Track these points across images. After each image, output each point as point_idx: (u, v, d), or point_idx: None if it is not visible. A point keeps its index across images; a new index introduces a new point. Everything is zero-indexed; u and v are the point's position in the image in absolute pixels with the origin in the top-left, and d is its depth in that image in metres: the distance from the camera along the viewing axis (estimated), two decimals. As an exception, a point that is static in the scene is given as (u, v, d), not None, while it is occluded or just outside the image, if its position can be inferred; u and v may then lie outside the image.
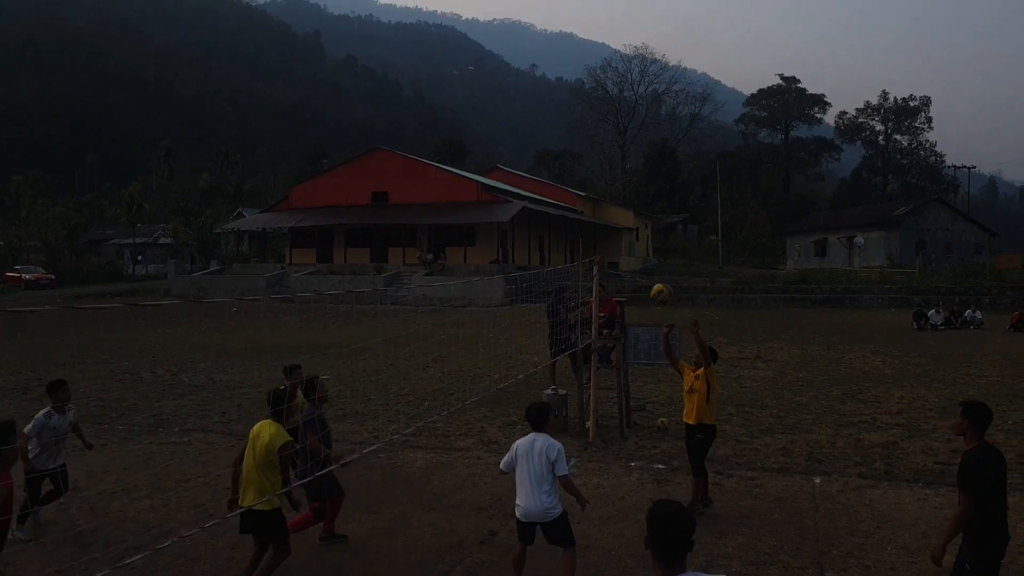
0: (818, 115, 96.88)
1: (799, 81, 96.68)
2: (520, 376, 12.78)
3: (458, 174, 48.15)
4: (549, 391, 10.97)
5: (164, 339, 22.80)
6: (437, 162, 55.65)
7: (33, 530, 6.99)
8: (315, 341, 20.22)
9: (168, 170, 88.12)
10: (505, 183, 52.93)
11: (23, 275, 50.72)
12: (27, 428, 6.85)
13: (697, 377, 7.69)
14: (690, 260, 66.61)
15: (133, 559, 5.50)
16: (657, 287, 9.88)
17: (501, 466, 5.79)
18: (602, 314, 10.91)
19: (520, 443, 5.68)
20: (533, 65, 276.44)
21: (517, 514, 5.62)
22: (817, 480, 8.53)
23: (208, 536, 6.79)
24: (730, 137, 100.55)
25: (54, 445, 7.02)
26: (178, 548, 6.17)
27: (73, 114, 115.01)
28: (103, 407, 12.87)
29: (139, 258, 65.39)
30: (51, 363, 18.14)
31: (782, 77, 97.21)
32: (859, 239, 57.29)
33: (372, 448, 9.33)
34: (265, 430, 5.64)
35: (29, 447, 6.84)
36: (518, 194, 47.72)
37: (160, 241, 66.18)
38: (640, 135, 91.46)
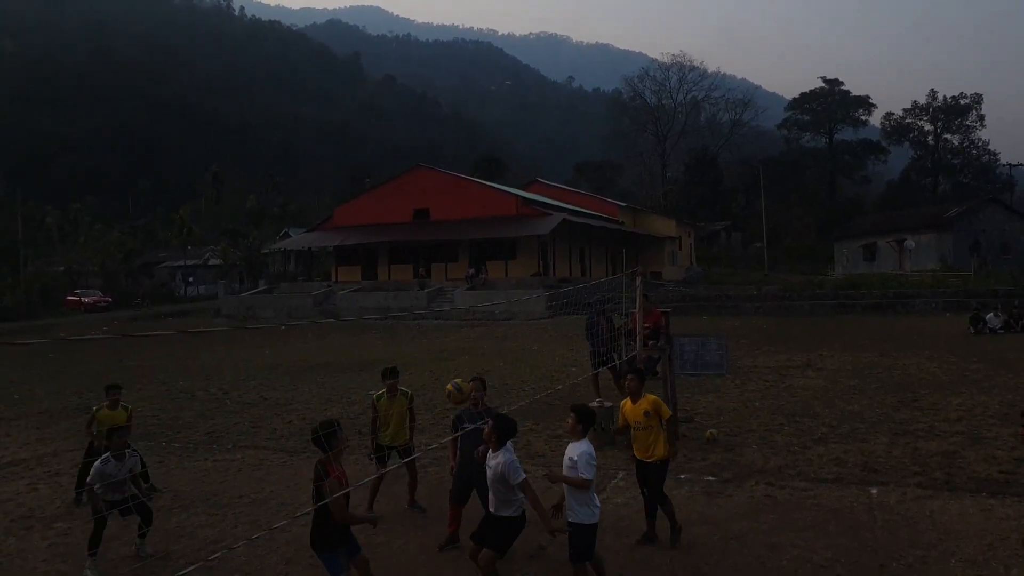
0: (863, 117, 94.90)
1: (842, 83, 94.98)
2: (559, 387, 12.75)
3: (498, 189, 48.42)
4: (594, 403, 10.90)
5: (217, 358, 23.36)
6: (476, 178, 56.06)
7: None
8: (362, 358, 20.51)
9: (216, 193, 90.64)
10: (544, 196, 53.02)
11: (82, 299, 52.58)
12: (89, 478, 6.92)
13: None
14: (735, 268, 65.66)
15: (186, 571, 5.64)
16: (447, 387, 7.68)
17: (592, 476, 5.72)
18: (647, 325, 10.82)
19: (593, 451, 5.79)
20: (570, 77, 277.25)
21: (595, 519, 5.74)
22: (874, 491, 8.30)
23: (263, 551, 6.92)
24: (772, 142, 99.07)
25: (115, 489, 6.95)
26: (234, 563, 6.30)
27: (126, 142, 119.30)
28: (160, 425, 13.23)
29: (190, 279, 67.23)
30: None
31: (824, 80, 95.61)
32: (910, 242, 55.76)
33: (415, 456, 9.41)
34: None
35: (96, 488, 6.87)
36: (558, 206, 47.74)
37: (210, 262, 67.99)
38: (680, 143, 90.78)
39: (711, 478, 9.00)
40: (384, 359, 20.50)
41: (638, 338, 10.34)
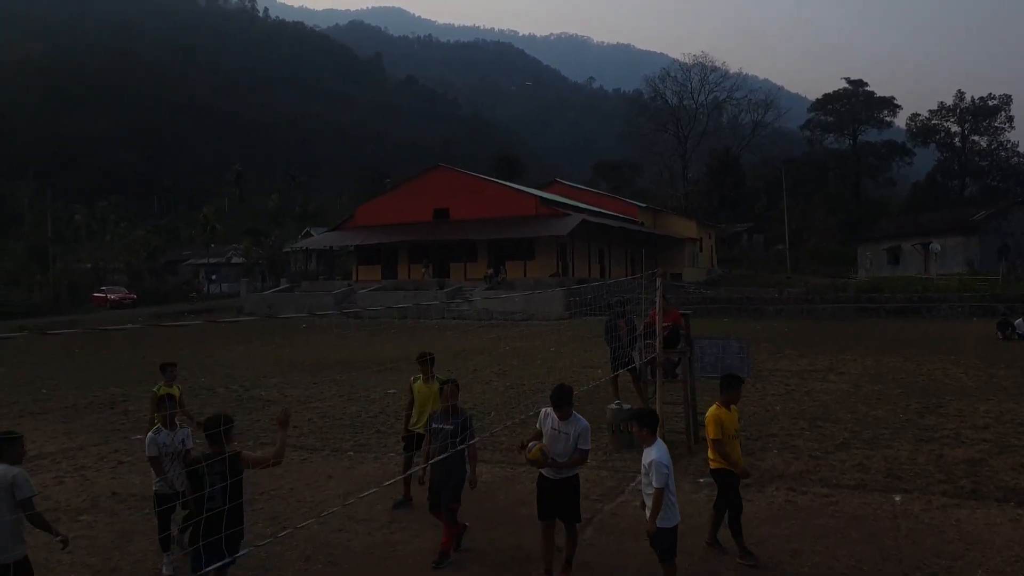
0: (888, 118, 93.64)
1: (866, 84, 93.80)
2: (583, 389, 12.69)
3: (517, 189, 48.43)
4: (613, 405, 10.87)
5: (238, 355, 23.57)
6: (495, 178, 56.12)
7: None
8: (381, 356, 20.59)
9: (239, 193, 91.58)
10: (564, 196, 52.95)
11: (108, 295, 53.35)
12: (148, 451, 6.79)
13: None
14: (756, 270, 65.12)
15: (207, 569, 5.68)
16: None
17: (663, 484, 5.67)
18: (666, 324, 10.75)
19: (666, 454, 5.81)
20: (591, 78, 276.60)
21: (675, 522, 5.79)
22: (897, 498, 8.18)
23: (282, 548, 6.96)
24: (795, 144, 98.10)
25: (171, 464, 6.73)
26: (254, 559, 6.34)
27: (150, 142, 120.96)
28: (181, 422, 13.35)
29: (213, 277, 67.95)
30: (133, 379, 18.99)
31: (848, 81, 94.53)
32: (935, 245, 54.95)
33: (439, 459, 9.42)
34: None
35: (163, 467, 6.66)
36: (577, 207, 47.65)
37: (233, 261, 68.68)
38: (701, 144, 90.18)
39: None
40: (402, 358, 20.60)
41: (658, 339, 10.26)
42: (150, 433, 6.84)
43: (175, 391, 8.63)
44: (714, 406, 6.86)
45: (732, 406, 6.87)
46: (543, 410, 6.12)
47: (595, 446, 10.74)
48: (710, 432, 6.79)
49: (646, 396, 10.77)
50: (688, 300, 34.64)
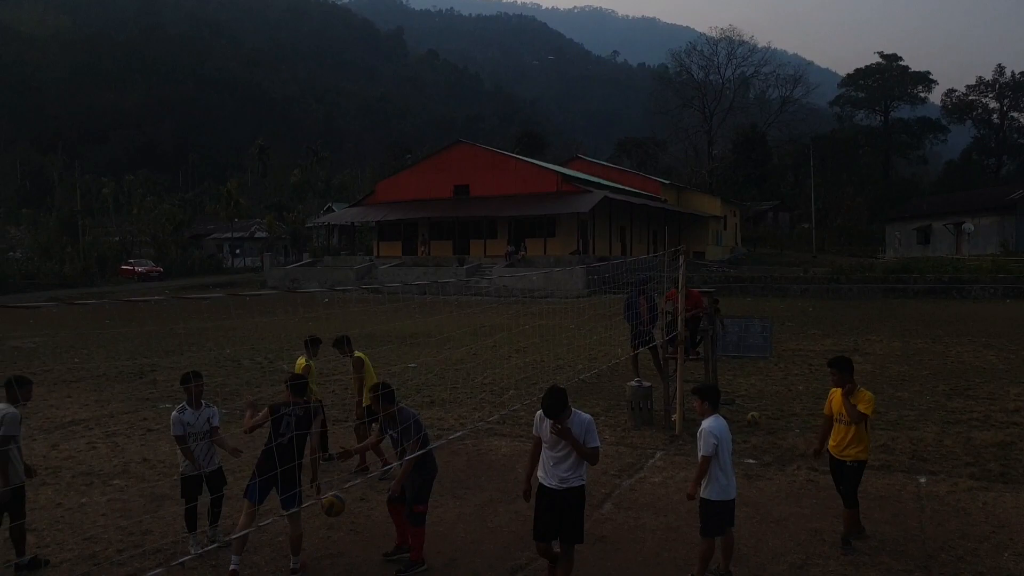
0: (922, 94, 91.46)
1: (900, 59, 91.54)
2: (603, 367, 12.70)
3: (538, 165, 48.15)
4: (633, 383, 10.84)
5: (261, 327, 23.83)
6: (516, 154, 55.80)
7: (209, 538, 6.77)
8: (402, 331, 20.70)
9: (262, 167, 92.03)
10: (585, 173, 52.57)
11: (136, 268, 54.14)
12: (173, 430, 6.61)
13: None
14: (782, 249, 64.33)
15: (238, 534, 5.80)
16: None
17: (709, 453, 5.65)
18: (688, 308, 10.66)
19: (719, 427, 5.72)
20: (614, 52, 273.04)
21: (723, 496, 5.66)
22: (922, 480, 8.10)
23: (306, 515, 7.06)
24: (824, 120, 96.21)
25: (197, 443, 6.62)
26: (278, 526, 6.45)
27: (175, 117, 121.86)
28: (207, 393, 13.50)
29: (237, 251, 68.59)
30: (161, 350, 19.31)
31: (881, 55, 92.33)
32: (968, 225, 53.84)
33: (458, 435, 9.51)
34: None
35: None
36: (599, 183, 47.28)
37: (256, 235, 69.24)
38: (727, 120, 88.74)
39: (752, 461, 8.89)
40: (422, 333, 20.70)
41: (680, 318, 10.19)
42: (175, 412, 6.66)
43: (312, 365, 8.80)
44: (838, 391, 6.44)
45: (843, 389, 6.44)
46: (538, 414, 5.38)
47: (614, 423, 10.77)
48: (869, 411, 6.32)
49: (667, 374, 10.71)
50: (711, 279, 34.38)
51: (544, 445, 5.37)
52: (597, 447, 5.36)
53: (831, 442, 6.49)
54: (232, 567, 5.80)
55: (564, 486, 5.29)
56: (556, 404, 5.22)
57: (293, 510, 5.89)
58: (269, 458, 5.93)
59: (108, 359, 18.01)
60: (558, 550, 5.45)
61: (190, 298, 5.73)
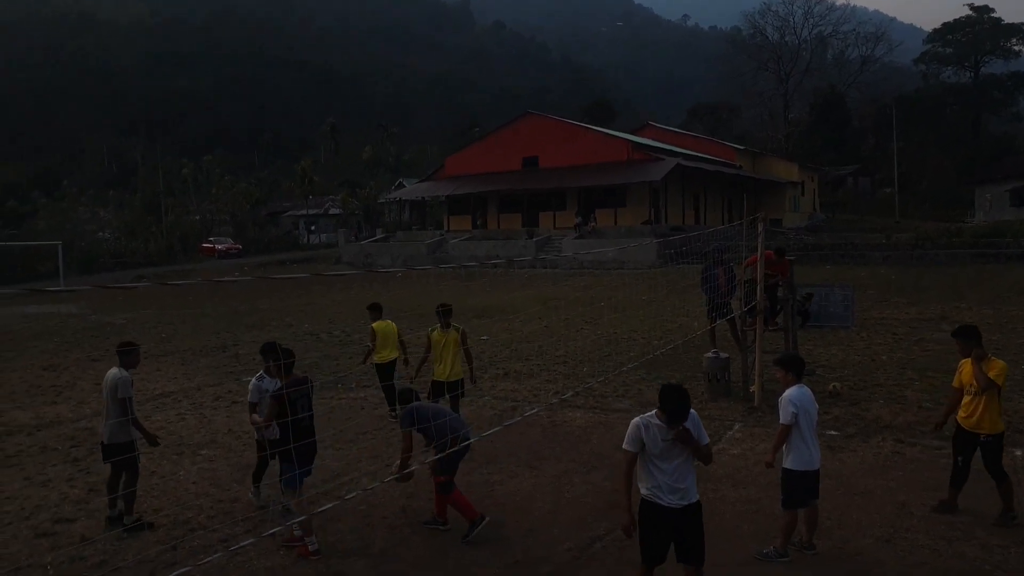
0: (1016, 47, 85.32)
1: (992, 10, 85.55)
2: (680, 341, 12.52)
3: (608, 134, 47.39)
4: (710, 354, 10.67)
5: (338, 303, 24.50)
6: (586, 124, 55.04)
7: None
8: (474, 304, 20.90)
9: (334, 145, 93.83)
10: (657, 140, 51.45)
11: (216, 246, 56.29)
12: (249, 397, 7.02)
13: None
14: (862, 215, 61.77)
15: (325, 507, 6.04)
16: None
17: (788, 422, 5.54)
18: (771, 273, 10.37)
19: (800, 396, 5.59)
20: (685, 16, 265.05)
21: (805, 467, 5.52)
22: (1018, 452, 7.72)
23: (385, 486, 7.28)
24: (908, 79, 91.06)
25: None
26: (359, 496, 6.67)
27: (249, 97, 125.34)
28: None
29: (312, 228, 70.37)
30: (244, 325, 20.09)
31: (971, 7, 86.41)
32: (1068, 185, 50.34)
33: (534, 411, 9.59)
34: None
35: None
36: (671, 151, 46.22)
37: (330, 212, 70.82)
38: (804, 82, 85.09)
39: (834, 432, 8.66)
40: (493, 307, 20.86)
41: (759, 287, 9.93)
42: (253, 380, 7.08)
43: (449, 334, 8.76)
44: (967, 361, 6.28)
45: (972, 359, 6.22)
46: (637, 422, 4.56)
47: (691, 394, 10.59)
48: (1001, 381, 6.10)
49: (745, 345, 10.50)
50: (789, 246, 33.31)
51: (649, 457, 4.53)
52: (709, 444, 4.71)
53: (961, 413, 6.31)
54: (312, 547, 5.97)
55: (684, 502, 4.52)
56: (685, 406, 4.50)
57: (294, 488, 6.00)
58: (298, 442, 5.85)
59: (193, 334, 18.87)
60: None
61: (275, 278, 5.92)
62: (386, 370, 9.98)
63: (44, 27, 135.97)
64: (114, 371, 6.70)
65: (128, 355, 6.82)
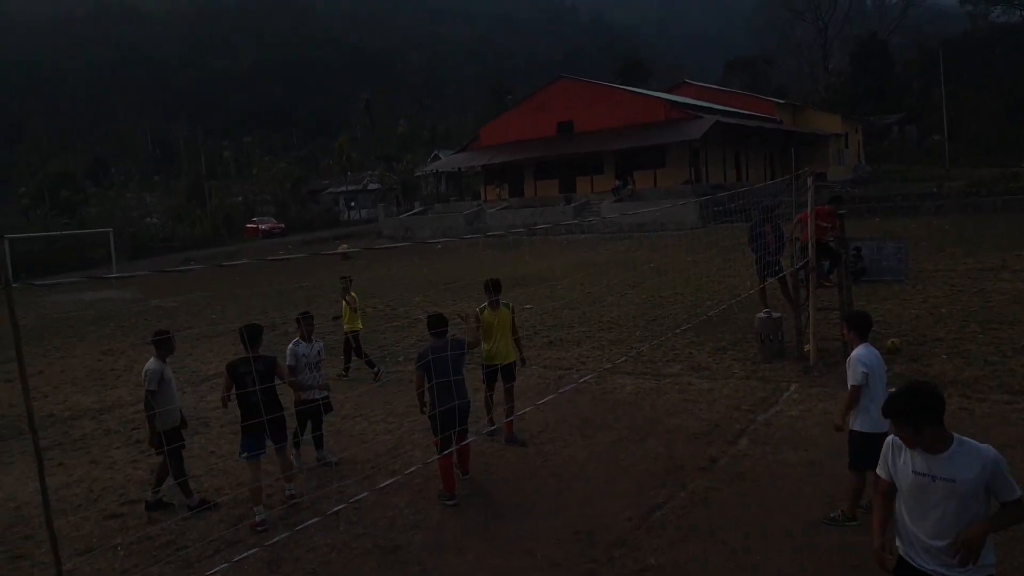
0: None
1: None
2: (732, 302, 12.23)
3: (643, 94, 46.42)
4: (761, 314, 10.42)
5: (380, 276, 24.65)
6: (620, 85, 53.98)
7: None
8: (513, 272, 20.82)
9: (369, 120, 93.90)
10: (694, 98, 50.29)
11: (259, 226, 57.06)
12: (288, 360, 7.41)
13: None
14: (909, 165, 59.70)
15: (387, 482, 6.08)
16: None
17: (858, 382, 5.33)
18: (825, 224, 10.04)
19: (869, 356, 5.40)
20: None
21: (874, 429, 5.20)
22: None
23: (431, 455, 7.31)
24: (954, 21, 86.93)
25: (310, 372, 7.53)
26: (417, 470, 6.69)
27: (283, 77, 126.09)
28: (337, 341, 14.21)
29: (352, 204, 70.86)
30: (290, 303, 20.36)
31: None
32: None
33: (586, 378, 9.50)
34: None
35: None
36: (709, 108, 45.10)
37: (369, 187, 71.15)
38: (844, 30, 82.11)
39: (891, 389, 8.37)
40: (533, 275, 20.75)
41: (811, 243, 9.62)
42: (290, 345, 7.59)
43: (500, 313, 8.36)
44: None
45: None
46: (889, 441, 3.39)
47: (743, 356, 10.41)
48: None
49: (798, 304, 10.22)
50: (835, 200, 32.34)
51: (904, 495, 3.25)
52: (1020, 498, 3.05)
53: None
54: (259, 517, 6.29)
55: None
56: (938, 403, 3.15)
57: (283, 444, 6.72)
58: (251, 415, 6.42)
59: (243, 315, 19.17)
60: None
61: (326, 254, 5.91)
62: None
63: (91, 21, 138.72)
64: (148, 362, 6.75)
65: (163, 344, 6.84)
